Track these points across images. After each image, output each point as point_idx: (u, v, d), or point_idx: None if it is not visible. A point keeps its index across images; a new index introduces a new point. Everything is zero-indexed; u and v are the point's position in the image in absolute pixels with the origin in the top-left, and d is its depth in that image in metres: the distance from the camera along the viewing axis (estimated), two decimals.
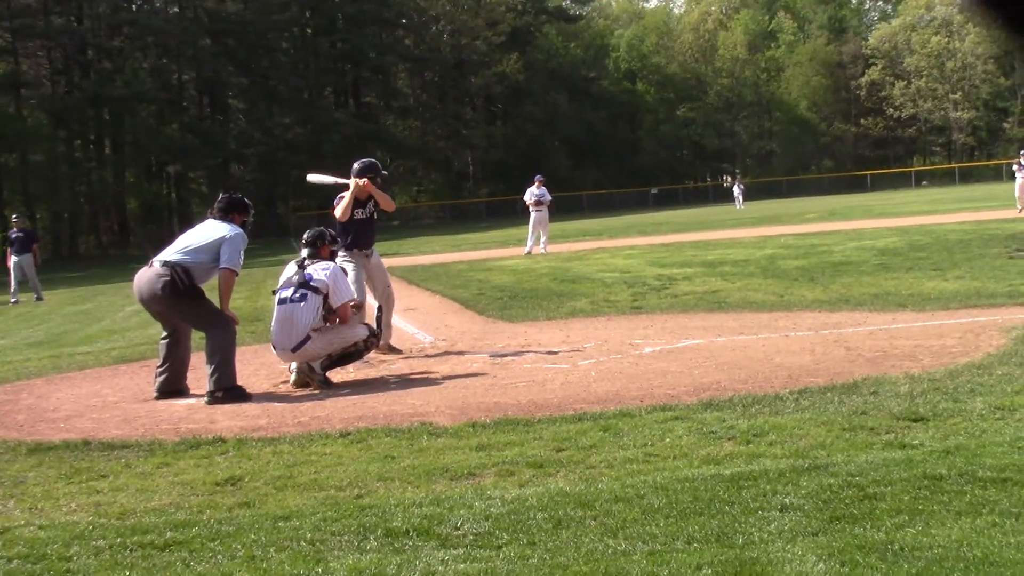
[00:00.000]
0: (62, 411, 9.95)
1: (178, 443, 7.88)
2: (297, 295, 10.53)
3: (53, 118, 73.98)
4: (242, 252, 10.49)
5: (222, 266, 10.36)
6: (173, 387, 10.40)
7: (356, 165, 12.68)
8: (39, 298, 29.65)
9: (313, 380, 10.41)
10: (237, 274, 10.54)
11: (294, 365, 10.55)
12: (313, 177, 13.66)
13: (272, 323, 10.73)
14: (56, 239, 75.40)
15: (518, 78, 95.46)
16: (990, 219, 30.83)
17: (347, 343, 10.51)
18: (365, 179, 12.45)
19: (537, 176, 33.45)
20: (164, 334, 10.68)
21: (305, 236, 11.32)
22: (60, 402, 10.56)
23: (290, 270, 10.97)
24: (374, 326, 11.55)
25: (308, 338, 10.33)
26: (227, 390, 9.94)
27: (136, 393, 10.80)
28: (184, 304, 10.38)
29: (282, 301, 10.64)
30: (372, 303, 12.71)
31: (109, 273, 46.08)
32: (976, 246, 21.13)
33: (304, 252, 11.07)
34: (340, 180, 12.82)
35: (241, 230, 10.56)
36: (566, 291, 18.63)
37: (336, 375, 10.69)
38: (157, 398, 10.38)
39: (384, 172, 13.04)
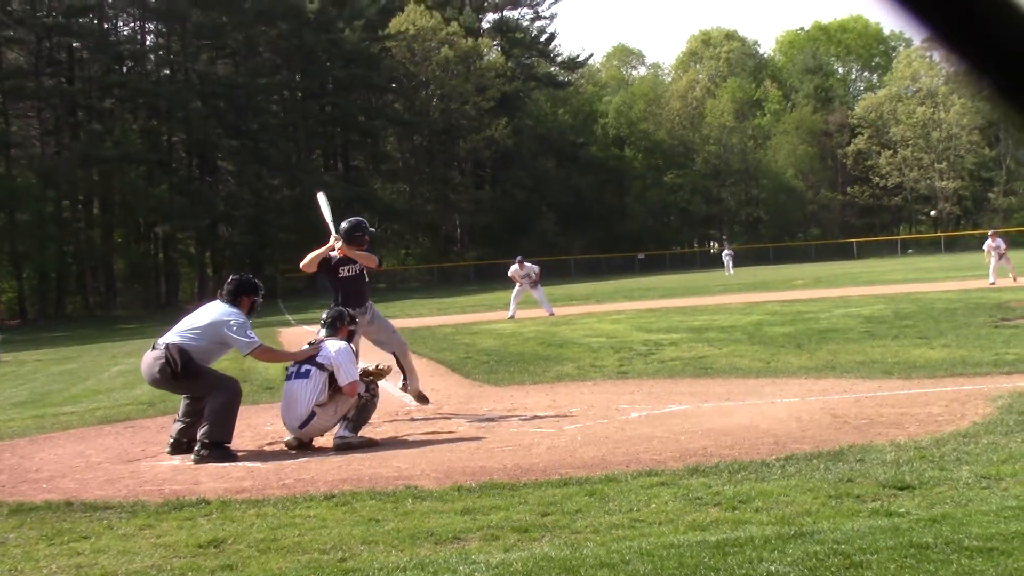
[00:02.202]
0: (45, 471, 9.89)
1: (161, 505, 7.82)
2: (302, 370, 10.54)
3: (42, 178, 74.08)
4: (249, 329, 10.55)
5: (246, 354, 10.67)
6: (189, 436, 10.38)
7: (343, 225, 12.69)
8: None
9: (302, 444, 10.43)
10: (261, 345, 10.70)
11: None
12: (323, 199, 13.58)
13: (283, 399, 10.76)
14: (43, 298, 75.23)
15: (506, 143, 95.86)
16: (976, 288, 30.98)
17: (350, 403, 10.47)
18: (341, 244, 12.42)
19: (518, 257, 33.33)
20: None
21: (324, 316, 11.38)
22: (43, 462, 10.50)
23: (304, 348, 11.02)
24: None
25: (313, 415, 10.32)
26: (215, 444, 9.93)
27: (120, 454, 10.75)
28: (183, 382, 10.48)
29: (288, 377, 10.69)
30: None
31: (95, 333, 46.00)
32: (962, 315, 21.21)
33: (322, 333, 11.12)
34: (331, 225, 12.78)
35: (237, 313, 10.60)
36: (552, 355, 18.64)
37: (316, 440, 10.65)
38: (170, 452, 10.42)
39: (372, 229, 13.05)
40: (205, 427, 10.02)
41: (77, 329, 53.57)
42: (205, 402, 10.37)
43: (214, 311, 10.65)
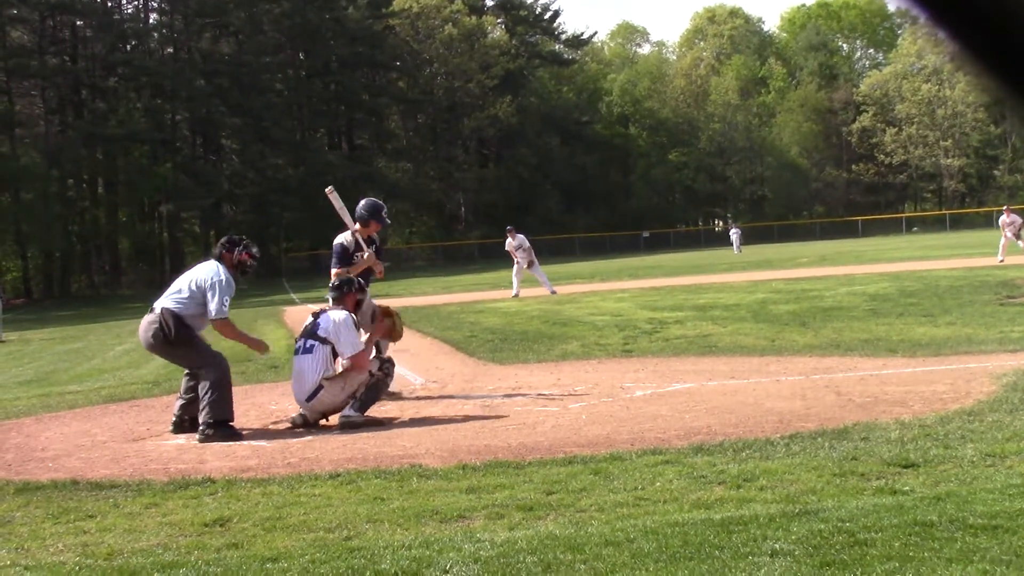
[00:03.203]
0: (51, 450, 9.91)
1: (167, 483, 7.84)
2: (307, 346, 10.56)
3: (47, 157, 74.08)
4: (227, 297, 10.50)
5: (212, 319, 10.50)
6: (191, 414, 10.44)
7: (363, 206, 12.57)
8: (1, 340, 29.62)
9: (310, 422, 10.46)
10: (227, 319, 10.55)
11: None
12: (334, 197, 13.22)
13: (292, 375, 10.84)
14: (48, 278, 75.38)
15: (511, 121, 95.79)
16: (981, 266, 30.91)
17: (360, 380, 10.48)
18: (379, 266, 12.42)
19: (508, 227, 33.31)
20: (186, 370, 10.81)
21: (332, 281, 11.36)
22: (49, 441, 10.52)
23: (308, 320, 11.02)
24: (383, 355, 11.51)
25: (320, 388, 10.34)
26: (218, 424, 9.98)
27: (125, 432, 10.77)
28: (175, 349, 10.49)
29: (296, 352, 10.74)
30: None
31: (100, 312, 46.07)
32: (967, 292, 21.17)
33: (329, 297, 11.12)
34: (349, 223, 12.59)
35: (224, 274, 10.56)
36: (557, 334, 18.63)
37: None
38: (173, 430, 10.46)
39: (388, 221, 13.01)
40: (205, 408, 10.03)
41: (82, 308, 53.62)
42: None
43: (203, 271, 10.62)
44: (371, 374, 10.51)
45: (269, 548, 5.86)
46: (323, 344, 10.48)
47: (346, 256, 12.27)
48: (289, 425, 10.50)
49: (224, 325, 10.56)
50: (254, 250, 11.12)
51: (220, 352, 10.73)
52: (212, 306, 10.39)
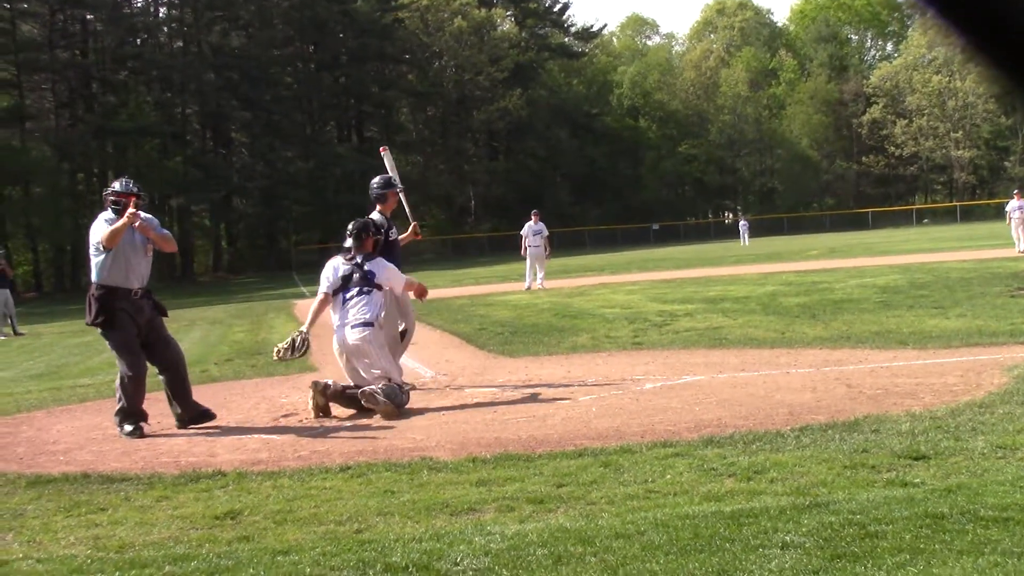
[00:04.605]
0: (62, 443, 9.94)
1: (178, 476, 7.86)
2: (364, 290, 10.87)
3: (57, 151, 74.16)
4: (102, 229, 10.42)
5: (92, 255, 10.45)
6: (188, 413, 10.47)
7: (374, 183, 12.79)
8: (19, 333, 29.66)
9: (329, 408, 10.53)
10: (106, 241, 10.34)
11: (312, 400, 10.58)
12: (387, 156, 13.79)
13: (338, 318, 10.97)
14: (58, 271, 75.49)
15: (520, 114, 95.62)
16: (992, 257, 30.84)
17: (389, 369, 10.73)
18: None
19: (534, 211, 33.26)
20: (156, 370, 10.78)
21: (349, 227, 11.44)
22: (60, 434, 10.55)
23: (338, 267, 11.17)
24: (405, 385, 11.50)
25: (373, 325, 10.73)
26: (129, 416, 10.16)
27: None
28: (103, 333, 10.53)
29: (349, 298, 10.89)
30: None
31: None
32: (977, 284, 21.11)
33: (349, 242, 11.18)
34: (397, 182, 12.97)
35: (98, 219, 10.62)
36: (567, 326, 18.62)
37: (336, 408, 10.66)
38: (178, 425, 10.49)
39: (401, 186, 13.15)
40: (118, 410, 10.22)
41: None
42: (178, 374, 10.54)
43: None
44: (389, 379, 10.60)
45: (280, 541, 5.87)
46: (379, 291, 10.94)
47: (377, 232, 12.38)
48: (300, 420, 10.51)
49: (107, 239, 10.36)
50: (115, 185, 11.11)
51: (140, 356, 10.50)
52: (90, 246, 10.46)
